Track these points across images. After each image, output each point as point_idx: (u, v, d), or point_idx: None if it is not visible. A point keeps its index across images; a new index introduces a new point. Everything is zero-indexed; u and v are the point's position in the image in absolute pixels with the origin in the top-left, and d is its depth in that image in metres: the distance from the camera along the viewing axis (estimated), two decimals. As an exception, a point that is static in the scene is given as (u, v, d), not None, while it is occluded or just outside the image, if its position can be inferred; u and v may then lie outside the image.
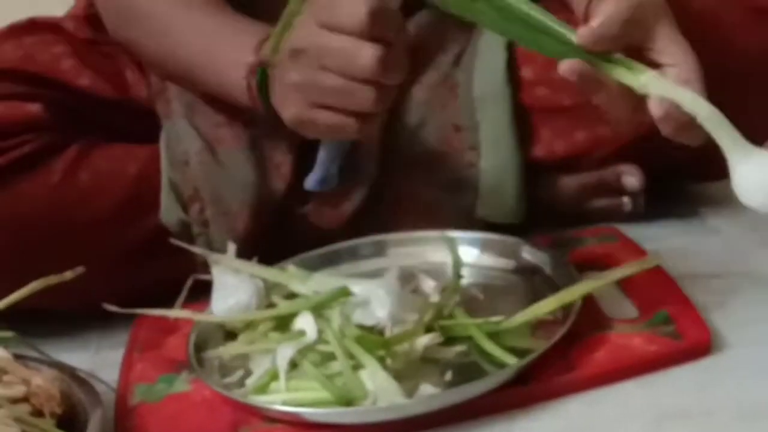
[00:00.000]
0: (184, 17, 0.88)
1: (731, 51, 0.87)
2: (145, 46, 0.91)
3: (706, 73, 0.71)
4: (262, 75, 0.80)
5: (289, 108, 0.77)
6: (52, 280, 0.76)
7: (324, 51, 0.72)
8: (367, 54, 0.71)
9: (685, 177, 1.05)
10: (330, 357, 0.74)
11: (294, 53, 0.74)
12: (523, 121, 0.97)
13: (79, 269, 0.78)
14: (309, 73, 0.73)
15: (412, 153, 0.98)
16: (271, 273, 0.84)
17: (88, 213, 0.90)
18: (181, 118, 0.94)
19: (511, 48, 0.97)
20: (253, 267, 0.84)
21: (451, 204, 0.97)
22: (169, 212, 0.92)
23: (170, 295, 0.83)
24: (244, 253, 0.85)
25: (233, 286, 0.83)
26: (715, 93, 0.72)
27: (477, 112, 0.96)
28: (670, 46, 0.70)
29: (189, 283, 0.83)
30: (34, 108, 0.89)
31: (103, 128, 0.93)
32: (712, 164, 0.99)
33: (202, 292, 0.83)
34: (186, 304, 0.83)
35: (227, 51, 0.84)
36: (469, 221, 0.96)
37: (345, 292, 0.77)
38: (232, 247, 0.85)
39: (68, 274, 0.77)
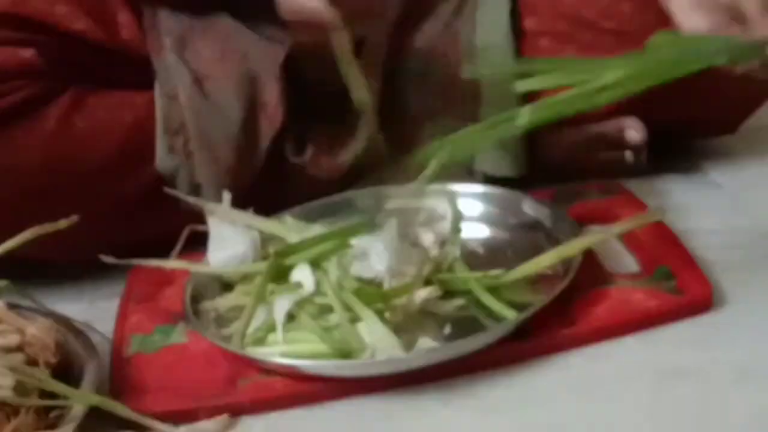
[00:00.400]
0: None
1: None
2: None
3: None
4: None
5: None
6: (46, 228, 0.76)
7: None
8: None
9: (689, 132, 1.04)
10: (328, 309, 0.73)
11: None
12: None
13: (74, 218, 0.77)
14: None
15: (413, 104, 0.97)
16: (267, 224, 0.83)
17: (84, 161, 0.89)
18: (172, 53, 0.92)
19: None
20: (249, 218, 0.83)
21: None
22: (164, 159, 0.91)
23: (166, 246, 0.82)
24: (237, 198, 0.84)
25: (229, 238, 0.82)
26: None
27: (479, 62, 0.95)
28: None
29: (185, 233, 0.82)
30: (27, 54, 0.87)
31: (98, 76, 0.92)
32: (715, 119, 0.99)
33: (198, 243, 0.83)
34: (182, 255, 0.82)
35: None
36: (469, 174, 0.95)
37: (343, 245, 0.76)
38: (227, 197, 0.84)
39: (62, 223, 0.76)
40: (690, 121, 0.99)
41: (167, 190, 0.86)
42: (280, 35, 0.92)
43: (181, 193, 0.87)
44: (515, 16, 0.95)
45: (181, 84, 0.91)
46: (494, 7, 0.96)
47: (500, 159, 0.95)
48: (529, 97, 0.93)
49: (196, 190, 0.91)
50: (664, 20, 0.90)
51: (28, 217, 0.79)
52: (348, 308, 0.72)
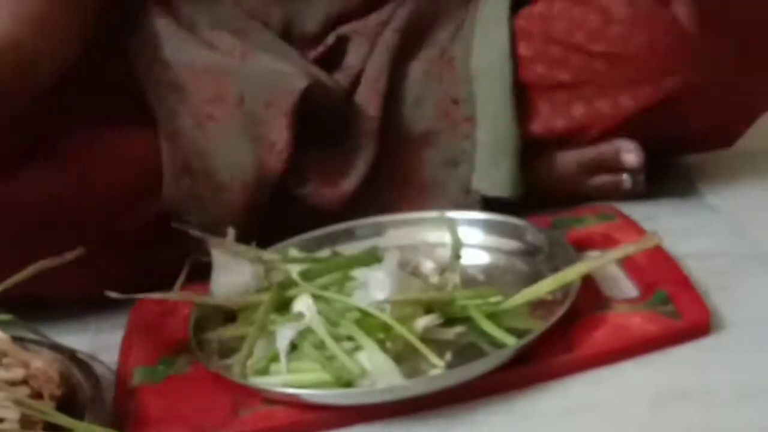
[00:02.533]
0: None
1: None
2: None
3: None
4: None
5: None
6: (51, 262, 0.76)
7: None
8: None
9: (684, 147, 1.04)
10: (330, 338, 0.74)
11: None
12: (521, 96, 0.97)
13: (79, 250, 0.77)
14: None
15: (410, 129, 0.97)
16: (271, 257, 0.84)
17: (89, 197, 0.89)
18: (171, 95, 0.93)
19: (510, 24, 0.97)
20: (254, 251, 0.83)
21: (448, 180, 0.97)
22: (172, 194, 0.92)
23: (170, 276, 0.83)
24: (242, 232, 0.85)
25: (232, 267, 0.82)
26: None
27: (474, 84, 0.96)
28: None
29: (188, 264, 0.83)
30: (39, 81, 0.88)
31: (102, 112, 0.93)
32: (711, 133, 1.00)
33: (201, 273, 0.83)
34: (185, 286, 0.82)
35: None
36: (466, 196, 0.96)
37: (345, 276, 0.77)
38: (231, 232, 0.84)
39: (68, 256, 0.77)
40: (686, 136, 0.99)
41: (175, 224, 0.86)
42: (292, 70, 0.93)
43: (187, 227, 0.87)
44: (511, 40, 0.96)
45: (183, 126, 0.92)
46: (492, 30, 0.96)
47: (496, 178, 0.96)
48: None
49: (208, 231, 0.91)
50: (654, 39, 0.91)
51: (32, 253, 0.80)
52: (349, 338, 0.73)
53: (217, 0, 0.96)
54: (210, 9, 0.96)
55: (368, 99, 0.94)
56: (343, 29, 0.97)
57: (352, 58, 0.97)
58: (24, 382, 0.69)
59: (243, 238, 0.84)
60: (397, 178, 0.98)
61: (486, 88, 0.96)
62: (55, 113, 0.88)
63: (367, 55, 0.96)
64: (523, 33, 0.96)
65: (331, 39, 0.97)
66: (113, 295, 0.79)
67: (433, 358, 0.71)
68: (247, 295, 0.81)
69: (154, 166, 0.92)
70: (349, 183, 0.95)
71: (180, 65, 0.93)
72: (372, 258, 0.80)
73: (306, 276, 0.79)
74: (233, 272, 0.82)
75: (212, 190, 0.91)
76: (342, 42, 0.96)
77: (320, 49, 0.98)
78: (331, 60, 0.97)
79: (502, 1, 0.98)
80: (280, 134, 0.92)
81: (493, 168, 0.95)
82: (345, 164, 0.96)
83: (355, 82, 0.96)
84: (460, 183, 0.96)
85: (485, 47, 0.96)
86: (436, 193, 0.97)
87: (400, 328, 0.71)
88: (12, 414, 0.65)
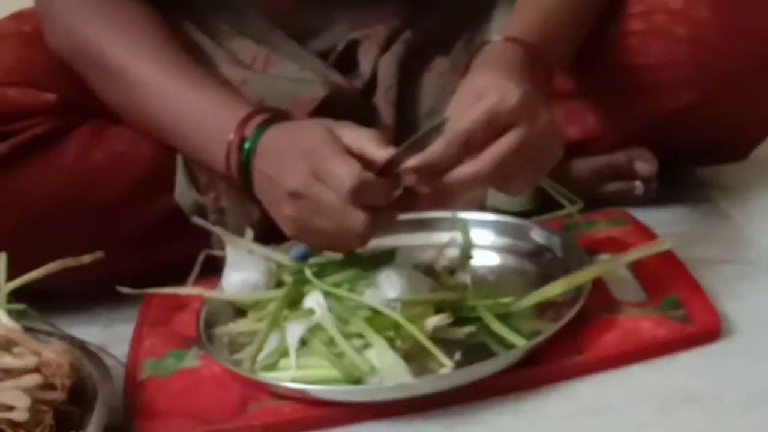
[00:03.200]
0: (158, 77, 0.86)
1: None
2: (105, 92, 0.89)
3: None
4: (246, 157, 0.80)
5: (282, 223, 0.78)
6: (69, 262, 0.77)
7: (317, 202, 0.73)
8: (354, 219, 0.72)
9: (699, 159, 1.04)
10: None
11: (291, 194, 0.75)
12: None
13: (98, 254, 0.79)
14: (304, 214, 0.75)
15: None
16: (286, 259, 0.84)
17: (104, 193, 0.90)
18: None
19: None
20: (270, 251, 0.83)
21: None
22: (183, 193, 0.92)
23: (182, 271, 0.83)
24: (259, 236, 0.85)
25: (245, 264, 0.83)
26: None
27: None
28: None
29: (201, 258, 0.83)
30: (49, 96, 0.89)
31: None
32: (725, 145, 1.00)
33: (213, 268, 0.84)
34: (197, 281, 0.83)
35: (208, 122, 0.83)
36: (480, 209, 0.96)
37: (357, 275, 0.77)
38: (249, 233, 0.85)
39: (86, 258, 0.78)
40: (700, 148, 0.99)
41: (194, 219, 0.86)
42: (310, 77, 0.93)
43: (207, 224, 0.87)
44: None
45: None
46: None
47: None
48: None
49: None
50: (672, 51, 0.91)
51: (48, 246, 0.80)
52: (358, 335, 0.73)
53: (241, 9, 0.96)
54: (233, 17, 0.96)
55: (382, 108, 0.95)
56: (354, 34, 0.97)
57: (364, 65, 0.97)
58: (36, 370, 0.70)
59: (259, 239, 0.85)
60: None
61: None
62: (69, 112, 0.89)
63: (376, 59, 0.96)
64: None
65: (341, 44, 0.97)
66: (125, 290, 0.80)
67: (443, 357, 0.71)
68: (258, 292, 0.81)
69: (167, 162, 0.92)
70: None
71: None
72: (384, 257, 0.80)
73: (318, 274, 0.79)
74: (245, 269, 0.82)
75: (236, 205, 0.91)
76: (352, 46, 0.97)
77: (333, 54, 0.98)
78: (344, 65, 0.97)
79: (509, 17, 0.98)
80: None
81: None
82: None
83: (368, 88, 0.96)
84: (474, 198, 0.96)
85: None
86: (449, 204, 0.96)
87: (410, 327, 0.72)
88: (22, 402, 0.66)
